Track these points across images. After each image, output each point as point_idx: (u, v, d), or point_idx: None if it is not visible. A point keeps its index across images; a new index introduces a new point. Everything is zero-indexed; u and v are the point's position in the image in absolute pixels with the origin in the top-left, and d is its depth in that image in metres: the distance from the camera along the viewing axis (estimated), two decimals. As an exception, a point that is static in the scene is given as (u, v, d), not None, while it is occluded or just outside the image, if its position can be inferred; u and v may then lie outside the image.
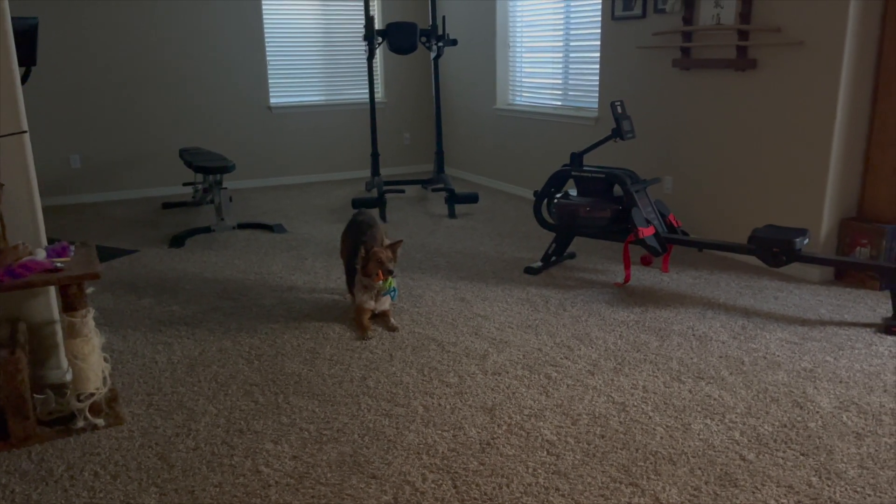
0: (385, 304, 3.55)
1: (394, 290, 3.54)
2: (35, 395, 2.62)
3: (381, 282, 3.44)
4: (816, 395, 2.73)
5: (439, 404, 2.70)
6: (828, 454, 2.32)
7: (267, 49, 7.07)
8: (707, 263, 4.46)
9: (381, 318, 3.56)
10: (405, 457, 2.35)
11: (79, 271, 2.44)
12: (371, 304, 3.49)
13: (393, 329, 3.44)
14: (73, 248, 2.64)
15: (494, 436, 2.47)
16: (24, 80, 3.90)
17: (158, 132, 6.78)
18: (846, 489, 2.14)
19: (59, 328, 2.84)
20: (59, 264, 2.46)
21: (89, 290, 2.54)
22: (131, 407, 2.71)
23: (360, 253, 3.47)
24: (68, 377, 2.85)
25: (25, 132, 2.65)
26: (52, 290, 2.80)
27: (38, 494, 2.17)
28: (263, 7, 6.95)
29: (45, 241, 2.78)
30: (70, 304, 2.45)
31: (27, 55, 4.22)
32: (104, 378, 2.57)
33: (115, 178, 6.70)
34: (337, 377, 2.95)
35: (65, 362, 2.88)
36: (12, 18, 2.74)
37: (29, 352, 2.63)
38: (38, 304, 2.77)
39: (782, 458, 2.30)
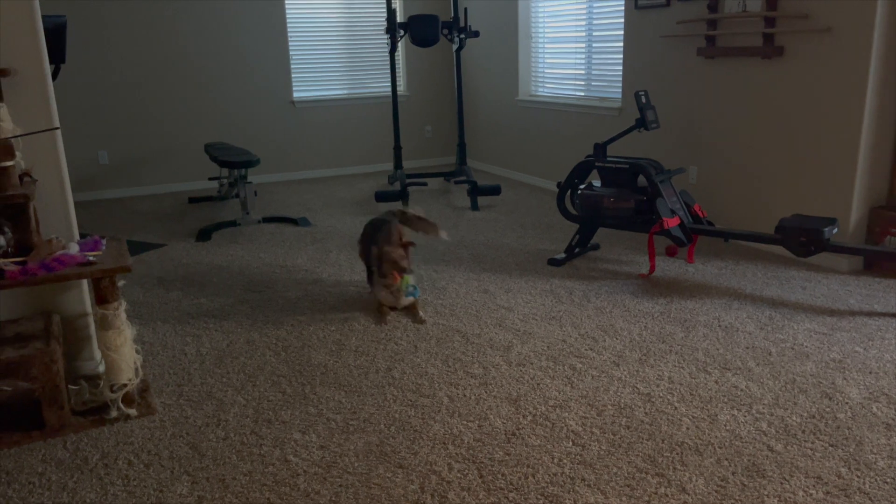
0: (408, 300, 3.57)
1: (414, 287, 3.56)
2: (69, 385, 2.69)
3: (398, 282, 3.47)
4: (845, 385, 2.70)
5: (464, 395, 2.72)
6: (857, 445, 2.30)
7: (290, 44, 7.11)
8: (733, 254, 4.42)
9: (408, 311, 3.59)
10: (431, 447, 2.37)
11: (111, 265, 2.49)
12: (392, 302, 3.53)
13: (420, 322, 3.46)
14: (104, 242, 2.69)
15: (520, 426, 2.48)
16: (53, 77, 3.97)
17: (184, 128, 6.86)
18: (876, 480, 2.12)
19: (91, 320, 2.90)
20: (91, 258, 2.51)
21: (121, 283, 2.59)
22: (162, 397, 2.77)
23: (372, 254, 3.49)
24: (101, 368, 2.92)
25: (58, 128, 2.70)
26: (85, 283, 2.86)
27: (74, 482, 2.23)
28: (286, 2, 6.99)
29: (77, 236, 2.84)
30: (102, 297, 2.50)
31: (56, 53, 4.30)
32: (136, 369, 2.62)
33: (142, 173, 6.80)
34: (363, 368, 2.98)
35: (98, 354, 2.95)
36: (42, 17, 2.79)
37: (63, 344, 2.69)
38: (72, 297, 2.83)
39: (811, 449, 2.29)
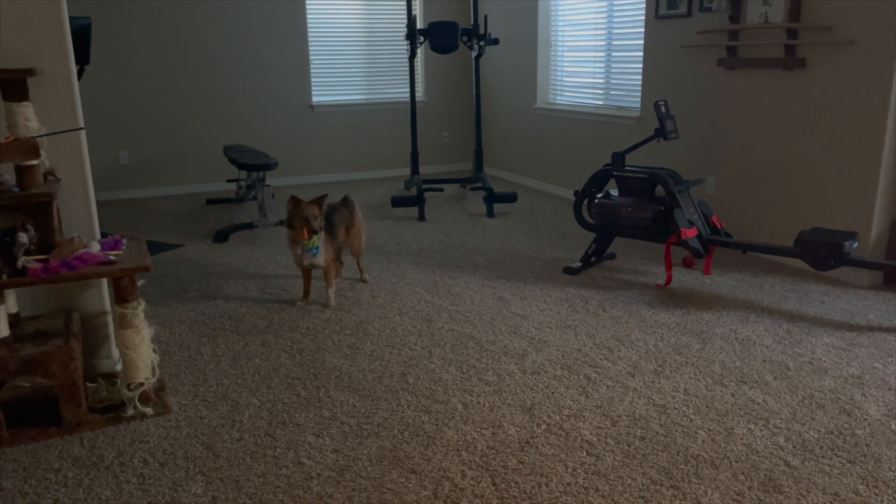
0: (316, 259, 3.68)
1: (316, 248, 3.65)
2: (87, 383, 2.71)
3: (305, 240, 3.57)
4: (864, 401, 2.67)
5: (478, 402, 2.72)
6: (875, 462, 2.27)
7: (310, 49, 7.16)
8: (750, 266, 4.38)
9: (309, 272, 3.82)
10: (444, 453, 2.37)
11: (130, 264, 2.51)
12: (299, 259, 3.68)
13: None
14: (125, 241, 2.72)
15: (533, 435, 2.47)
16: (78, 77, 4.02)
17: (204, 130, 6.92)
18: (893, 498, 2.09)
19: (110, 319, 2.93)
20: (112, 257, 2.53)
21: (140, 283, 2.61)
22: (178, 397, 2.79)
23: (287, 206, 3.59)
24: (118, 367, 2.94)
25: (83, 129, 2.74)
26: (105, 281, 2.89)
27: (90, 479, 2.25)
28: (307, 7, 7.04)
29: (98, 235, 2.87)
30: (122, 296, 2.53)
31: (81, 54, 4.36)
32: (153, 368, 2.64)
33: (161, 174, 6.87)
34: (377, 373, 2.98)
35: (116, 352, 2.97)
36: (68, 18, 2.83)
37: (82, 341, 2.72)
38: (92, 296, 2.86)
39: (828, 465, 2.26)
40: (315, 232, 3.56)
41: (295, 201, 3.56)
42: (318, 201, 3.60)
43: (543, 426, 2.53)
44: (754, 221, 4.65)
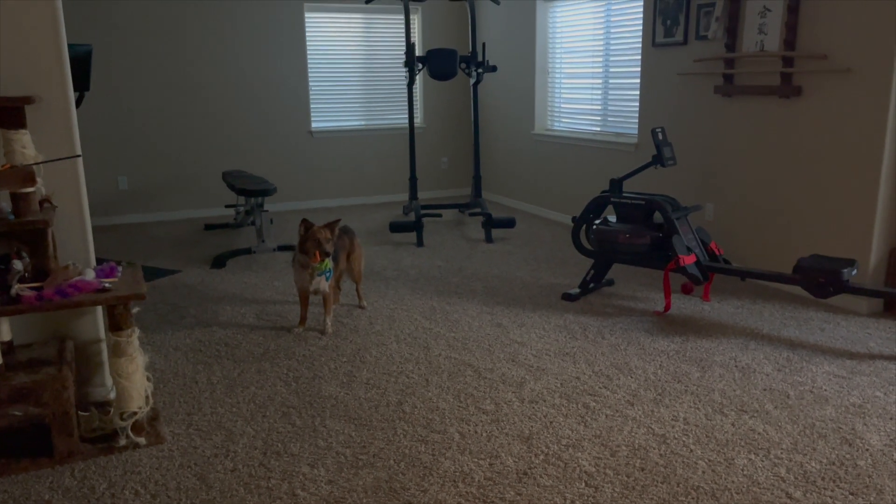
0: (321, 284, 3.66)
1: (329, 271, 3.64)
2: (79, 412, 2.68)
3: (317, 263, 3.55)
4: (866, 431, 2.64)
5: (475, 431, 2.68)
6: (878, 493, 2.24)
7: (309, 75, 7.21)
8: (750, 293, 4.37)
9: (319, 295, 3.78)
10: (441, 484, 2.33)
11: (125, 292, 2.49)
12: (305, 283, 3.65)
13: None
14: (120, 268, 2.71)
15: (531, 465, 2.44)
16: (78, 104, 4.03)
17: (203, 155, 6.94)
18: (899, 532, 2.05)
19: (104, 347, 2.91)
20: (107, 285, 2.52)
21: (135, 310, 2.59)
22: (172, 426, 2.75)
23: (299, 230, 3.58)
24: (112, 395, 2.91)
25: (79, 156, 2.74)
26: (100, 309, 2.87)
27: (81, 511, 2.21)
28: (307, 35, 7.10)
29: (94, 262, 2.85)
30: (116, 324, 2.50)
31: (81, 81, 4.38)
32: (146, 397, 2.61)
33: (160, 199, 6.87)
34: (373, 401, 2.95)
35: (109, 380, 2.94)
36: (68, 45, 2.85)
37: (75, 369, 2.69)
38: (86, 323, 2.84)
39: (830, 497, 2.23)
40: (328, 255, 3.57)
41: (307, 225, 3.57)
42: (331, 226, 3.62)
43: (542, 456, 2.50)
44: (753, 248, 4.64)
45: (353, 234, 4.04)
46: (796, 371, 3.18)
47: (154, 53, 6.59)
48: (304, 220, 3.57)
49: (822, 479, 2.33)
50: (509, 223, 5.93)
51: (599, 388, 3.05)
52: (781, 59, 4.24)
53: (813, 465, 2.42)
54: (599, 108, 6.10)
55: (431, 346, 3.54)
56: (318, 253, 3.54)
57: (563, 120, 6.61)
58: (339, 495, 2.28)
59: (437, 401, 2.95)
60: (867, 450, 2.51)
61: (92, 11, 6.29)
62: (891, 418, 2.73)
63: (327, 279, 3.68)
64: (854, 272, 3.50)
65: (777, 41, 4.25)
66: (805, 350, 3.43)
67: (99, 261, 2.91)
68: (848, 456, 2.47)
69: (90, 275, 2.54)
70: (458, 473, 2.39)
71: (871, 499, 2.21)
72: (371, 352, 3.49)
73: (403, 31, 7.42)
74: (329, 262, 3.62)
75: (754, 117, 4.51)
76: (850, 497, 2.22)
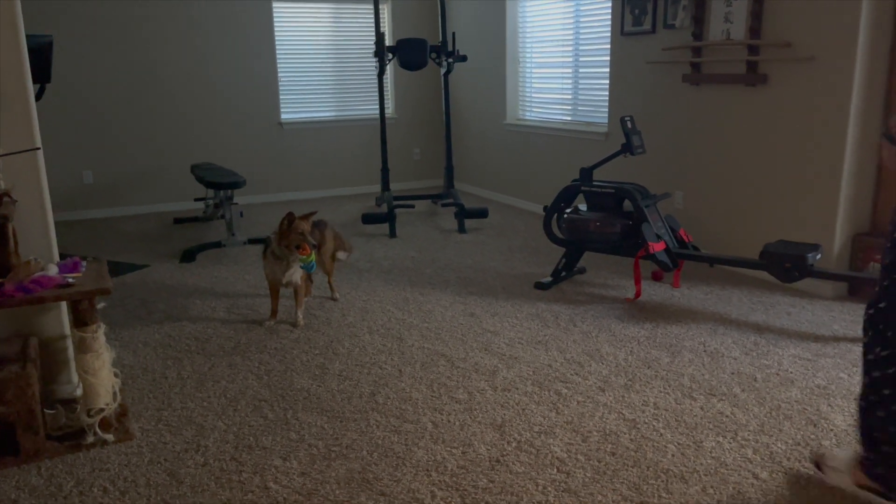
0: (294, 276, 3.66)
1: (312, 263, 3.65)
2: (45, 410, 2.63)
3: (306, 255, 3.55)
4: (830, 412, 2.69)
5: (448, 421, 2.69)
6: (843, 473, 2.28)
7: (278, 66, 7.13)
8: (718, 279, 4.43)
9: (291, 286, 3.73)
10: (414, 474, 2.33)
11: (90, 287, 2.45)
12: (278, 276, 3.64)
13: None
14: (84, 263, 2.66)
15: (504, 453, 2.45)
16: (38, 96, 3.94)
17: (170, 148, 6.84)
18: (862, 509, 2.10)
19: (69, 343, 2.85)
20: (70, 280, 2.47)
21: (100, 306, 2.55)
22: (141, 422, 2.72)
23: (282, 223, 3.55)
24: (78, 392, 2.86)
25: (39, 149, 2.68)
26: (64, 305, 2.82)
27: (47, 510, 2.17)
28: (275, 24, 7.02)
29: (57, 257, 2.80)
30: (81, 320, 2.46)
31: (42, 72, 4.28)
32: (114, 393, 2.57)
33: (127, 193, 6.76)
34: (346, 393, 2.94)
35: (75, 377, 2.89)
36: (27, 36, 2.78)
37: (40, 367, 2.64)
38: (50, 320, 2.78)
39: (795, 477, 2.27)
40: (315, 247, 3.56)
41: (291, 217, 3.53)
42: (307, 217, 3.61)
43: (514, 444, 2.51)
44: (721, 234, 4.70)
45: (324, 227, 4.01)
46: (763, 354, 3.24)
47: (119, 44, 6.46)
48: (290, 213, 3.54)
49: (788, 459, 2.38)
50: (482, 213, 5.94)
51: (571, 375, 3.07)
52: (747, 47, 4.29)
53: (779, 445, 2.46)
54: (570, 97, 6.12)
55: (404, 337, 3.54)
56: (306, 246, 3.52)
57: (535, 109, 6.63)
58: (312, 487, 2.27)
59: (410, 391, 2.94)
60: (832, 430, 2.56)
61: (54, 1, 6.14)
62: (855, 399, 2.79)
63: (310, 270, 3.69)
64: (819, 257, 3.57)
65: (743, 29, 4.29)
66: (772, 334, 3.49)
67: (63, 256, 2.85)
68: (813, 436, 2.52)
69: (53, 270, 2.49)
70: (431, 462, 2.40)
71: (835, 477, 2.26)
72: (344, 343, 3.48)
73: (373, 20, 7.37)
74: (314, 254, 3.62)
75: (721, 105, 4.56)
76: (816, 476, 2.27)
